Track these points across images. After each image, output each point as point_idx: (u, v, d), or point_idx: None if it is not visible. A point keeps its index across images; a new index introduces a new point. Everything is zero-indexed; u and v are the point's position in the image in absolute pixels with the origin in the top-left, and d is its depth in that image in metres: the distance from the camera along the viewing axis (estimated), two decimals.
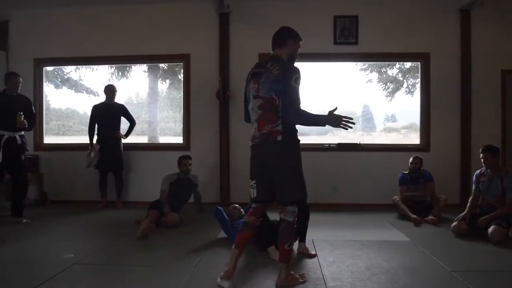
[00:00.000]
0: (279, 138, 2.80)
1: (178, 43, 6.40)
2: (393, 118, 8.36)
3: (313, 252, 3.80)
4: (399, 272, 3.31)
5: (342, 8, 6.23)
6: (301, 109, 2.78)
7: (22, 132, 5.02)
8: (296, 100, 2.77)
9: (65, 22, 6.56)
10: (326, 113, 2.84)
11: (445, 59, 6.15)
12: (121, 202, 6.20)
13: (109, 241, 4.29)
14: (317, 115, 2.83)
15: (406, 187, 5.56)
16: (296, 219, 2.94)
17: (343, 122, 2.82)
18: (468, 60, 6.09)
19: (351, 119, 2.83)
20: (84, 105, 7.52)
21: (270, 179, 2.89)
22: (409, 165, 5.57)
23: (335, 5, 6.23)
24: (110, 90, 6.25)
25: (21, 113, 4.83)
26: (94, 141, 6.14)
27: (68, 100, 9.12)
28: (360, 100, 8.33)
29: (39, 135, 6.69)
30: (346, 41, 6.20)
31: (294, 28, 3.15)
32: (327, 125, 2.86)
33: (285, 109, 2.79)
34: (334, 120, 2.82)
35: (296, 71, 2.80)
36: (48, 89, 7.44)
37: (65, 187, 6.49)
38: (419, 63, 6.41)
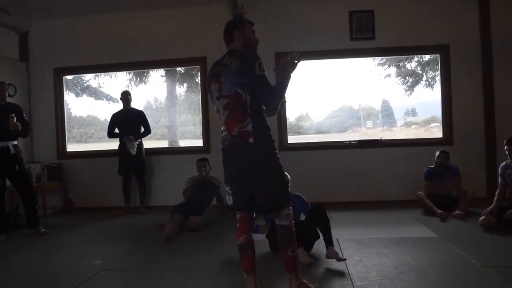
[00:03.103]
0: (251, 140, 2.58)
1: (194, 46, 6.42)
2: (413, 112, 8.23)
3: (343, 257, 3.54)
4: (428, 269, 3.24)
5: (357, 3, 6.16)
6: (273, 91, 2.58)
7: (15, 142, 4.91)
8: (269, 87, 2.56)
9: (83, 31, 6.66)
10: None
11: (465, 49, 6.02)
12: (144, 207, 6.26)
13: (134, 246, 4.34)
14: (279, 81, 2.62)
15: (431, 182, 5.46)
16: (293, 222, 2.73)
17: (294, 60, 2.63)
18: (489, 50, 5.94)
19: (295, 53, 2.64)
20: (104, 112, 7.60)
21: (247, 184, 2.67)
22: (436, 159, 5.45)
23: (350, 1, 6.17)
24: (124, 96, 6.31)
25: (13, 115, 4.68)
26: (116, 146, 6.24)
27: (89, 107, 9.25)
28: (379, 95, 8.23)
29: (62, 143, 6.80)
30: (363, 36, 6.14)
31: (246, 17, 2.93)
32: (291, 74, 2.62)
33: (263, 100, 2.61)
34: (287, 66, 2.61)
35: (256, 57, 2.60)
36: (68, 97, 7.56)
37: (90, 194, 6.57)
38: (438, 55, 6.28)
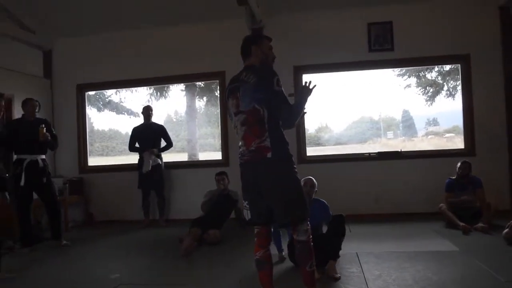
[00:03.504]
0: (269, 155, 2.60)
1: (213, 60, 6.50)
2: (435, 122, 8.12)
3: (338, 275, 3.47)
4: (449, 284, 3.17)
5: (375, 15, 6.15)
6: (291, 108, 2.65)
7: (44, 156, 5.08)
8: (288, 103, 2.63)
9: (104, 48, 6.83)
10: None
11: (487, 59, 5.93)
12: (164, 220, 6.30)
13: (153, 260, 4.36)
14: (297, 102, 2.71)
15: (452, 194, 5.34)
16: (311, 236, 2.73)
17: (310, 88, 2.73)
18: (511, 60, 5.84)
19: (310, 82, 2.75)
20: (125, 126, 7.72)
21: (264, 199, 2.67)
22: (457, 170, 5.34)
23: (368, 13, 6.16)
24: (146, 111, 6.40)
25: (43, 125, 4.86)
26: (136, 161, 6.32)
27: (111, 121, 9.43)
28: (399, 106, 8.17)
29: (84, 158, 6.93)
30: (381, 48, 6.11)
31: (260, 33, 2.98)
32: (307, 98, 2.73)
33: (282, 115, 2.66)
34: (304, 93, 2.72)
35: (273, 73, 2.64)
36: (91, 111, 7.73)
37: (110, 207, 6.65)
38: (459, 65, 6.20)
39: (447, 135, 7.21)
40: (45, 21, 6.52)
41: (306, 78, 6.26)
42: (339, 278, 3.42)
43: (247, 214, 2.79)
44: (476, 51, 5.97)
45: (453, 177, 5.39)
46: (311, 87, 2.74)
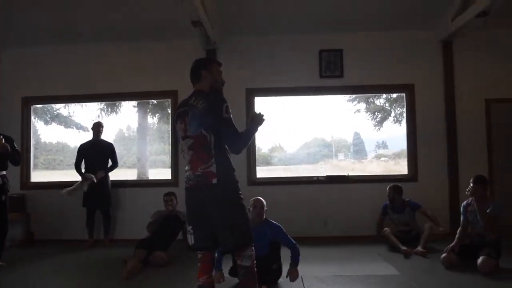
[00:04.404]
0: (214, 181, 2.63)
1: (166, 79, 6.45)
2: (384, 145, 8.40)
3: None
4: None
5: (327, 42, 6.34)
6: (239, 136, 2.71)
7: (4, 172, 4.87)
8: (235, 130, 2.68)
9: (52, 61, 6.61)
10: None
11: (429, 89, 6.26)
12: (109, 240, 6.12)
13: (96, 282, 4.23)
14: (248, 129, 2.81)
15: (383, 217, 5.76)
16: (254, 262, 2.78)
17: (262, 117, 2.85)
18: (452, 90, 6.20)
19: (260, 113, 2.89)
20: (74, 140, 7.47)
21: (209, 224, 2.70)
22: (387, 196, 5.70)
23: (320, 40, 6.34)
24: (96, 127, 6.24)
25: (1, 137, 4.66)
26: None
27: (59, 134, 9.12)
28: (350, 129, 8.40)
29: (26, 173, 6.62)
30: (332, 74, 6.30)
31: (210, 58, 3.12)
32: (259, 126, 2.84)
33: (230, 142, 2.72)
34: (258, 120, 2.82)
35: (223, 100, 2.69)
36: (38, 124, 7.45)
37: (53, 226, 6.37)
38: (404, 94, 6.49)
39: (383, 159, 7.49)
40: None
41: (258, 101, 6.39)
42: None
43: (190, 239, 2.80)
44: (420, 81, 6.29)
45: (388, 202, 5.72)
46: (263, 117, 2.83)
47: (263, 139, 7.21)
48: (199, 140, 2.67)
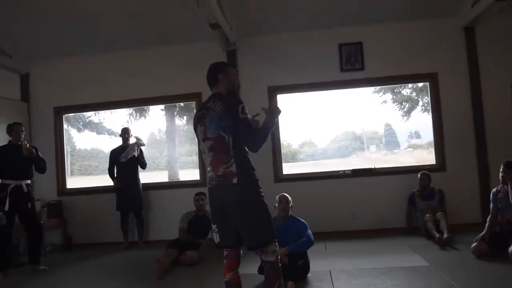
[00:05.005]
0: (235, 181, 2.70)
1: (190, 82, 6.56)
2: (417, 135, 8.27)
3: None
4: None
5: (346, 36, 6.33)
6: (254, 133, 2.74)
7: (29, 181, 5.15)
8: (251, 130, 2.72)
9: (80, 70, 6.86)
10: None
11: (454, 77, 6.15)
12: (143, 241, 6.31)
13: (129, 282, 4.41)
14: (264, 124, 2.80)
15: (411, 207, 5.80)
16: (279, 257, 2.84)
17: (278, 107, 2.86)
18: (477, 77, 6.07)
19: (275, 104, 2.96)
20: (107, 145, 7.71)
21: (232, 223, 2.77)
22: (418, 181, 5.69)
23: (339, 34, 6.33)
24: (123, 134, 6.47)
25: (26, 141, 4.98)
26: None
27: (92, 140, 9.43)
28: (381, 120, 8.32)
29: (62, 180, 6.90)
30: (353, 67, 6.28)
31: (223, 62, 3.09)
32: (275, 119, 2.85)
33: (247, 142, 2.76)
34: (274, 112, 2.82)
35: (239, 101, 2.73)
36: (73, 131, 7.74)
37: (89, 230, 6.63)
38: (427, 83, 6.40)
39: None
40: (21, 45, 6.57)
41: (280, 98, 6.43)
42: None
43: (216, 237, 2.89)
44: (444, 70, 6.18)
45: (416, 190, 5.72)
46: (278, 108, 2.85)
47: (292, 135, 7.25)
48: (218, 142, 2.75)
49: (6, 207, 4.87)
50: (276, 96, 6.46)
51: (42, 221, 6.03)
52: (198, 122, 2.88)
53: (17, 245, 5.79)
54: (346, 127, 8.52)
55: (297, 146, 8.63)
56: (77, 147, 10.05)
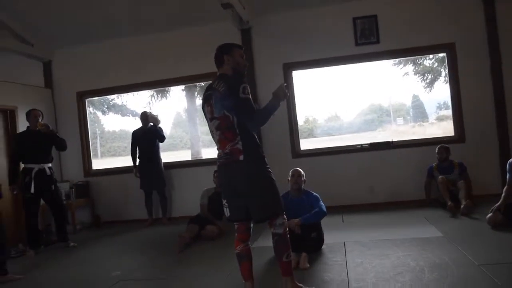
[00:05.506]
0: (241, 157, 2.81)
1: (209, 62, 6.59)
2: (446, 106, 8.15)
3: (307, 265, 3.72)
4: (425, 269, 3.34)
5: (360, 9, 6.26)
6: (255, 114, 2.80)
7: (50, 164, 5.39)
8: (251, 110, 2.78)
9: (101, 55, 7.08)
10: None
11: (472, 47, 6.01)
12: (166, 218, 6.56)
13: (153, 257, 4.65)
14: (268, 104, 2.86)
15: (429, 180, 5.79)
16: (287, 229, 2.95)
17: (285, 89, 2.90)
18: (497, 45, 5.91)
19: (285, 83, 2.99)
20: (133, 126, 7.98)
21: (241, 198, 2.89)
22: (437, 155, 5.67)
23: (352, 7, 6.27)
24: (143, 117, 6.63)
25: (40, 119, 5.26)
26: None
27: (119, 122, 9.70)
28: (408, 91, 8.26)
29: (88, 162, 7.20)
30: (367, 41, 6.22)
31: (232, 42, 3.09)
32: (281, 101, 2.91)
33: (246, 122, 2.82)
34: (280, 94, 2.88)
35: (241, 82, 2.82)
36: (100, 114, 8.00)
37: (116, 208, 6.93)
38: (445, 54, 6.30)
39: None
40: (42, 33, 6.79)
41: (295, 74, 6.48)
42: (307, 268, 3.66)
43: (226, 212, 3.04)
44: (462, 40, 6.05)
45: (434, 164, 5.69)
46: (285, 89, 2.92)
47: (318, 110, 7.34)
48: (224, 121, 2.85)
49: (32, 190, 5.14)
50: (291, 72, 6.49)
51: (70, 202, 6.36)
52: (205, 103, 2.99)
53: (48, 224, 6.10)
54: (372, 100, 8.49)
55: (323, 121, 8.65)
56: (106, 129, 10.35)
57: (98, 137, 8.23)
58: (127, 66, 6.98)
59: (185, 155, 8.43)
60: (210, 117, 2.96)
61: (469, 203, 5.08)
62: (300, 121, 6.85)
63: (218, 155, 3.00)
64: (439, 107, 8.29)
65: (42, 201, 5.39)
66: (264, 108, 2.89)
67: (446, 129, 6.71)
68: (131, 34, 6.86)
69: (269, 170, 2.94)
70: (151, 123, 6.51)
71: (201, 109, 3.10)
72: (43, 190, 5.25)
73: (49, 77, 7.23)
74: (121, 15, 6.44)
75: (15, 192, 5.32)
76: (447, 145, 5.71)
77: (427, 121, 8.65)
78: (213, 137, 3.02)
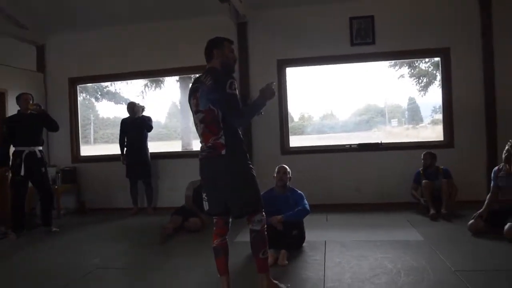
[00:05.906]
0: (223, 152, 2.80)
1: (202, 55, 6.60)
2: (440, 110, 8.15)
3: (286, 262, 3.73)
4: (401, 272, 3.35)
5: (357, 9, 6.24)
6: (240, 111, 2.80)
7: (41, 147, 5.41)
8: (236, 106, 2.77)
9: (96, 42, 7.02)
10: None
11: (467, 53, 6.02)
12: (151, 208, 6.55)
13: (134, 246, 4.67)
14: (254, 102, 2.88)
15: (416, 186, 5.73)
16: (265, 226, 2.96)
17: (272, 89, 2.89)
18: (491, 52, 5.92)
19: (273, 82, 2.98)
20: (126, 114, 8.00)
21: (220, 192, 2.88)
22: (422, 161, 5.67)
23: (350, 7, 6.25)
24: (130, 108, 6.63)
25: (30, 100, 5.28)
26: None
27: (113, 109, 9.66)
28: (404, 94, 8.29)
29: (76, 148, 7.17)
30: (363, 41, 6.21)
31: (221, 36, 3.05)
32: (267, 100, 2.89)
33: (230, 118, 2.81)
34: (267, 93, 2.87)
35: (229, 77, 2.82)
36: (93, 101, 7.96)
37: (101, 196, 6.91)
38: (439, 58, 6.30)
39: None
40: (37, 17, 6.72)
41: (289, 71, 6.46)
42: (286, 265, 3.68)
43: (205, 205, 3.02)
44: (457, 45, 6.05)
45: (421, 168, 5.70)
46: (273, 89, 2.90)
47: (314, 108, 7.30)
48: (208, 114, 2.84)
49: (22, 172, 5.16)
50: (285, 69, 6.48)
51: (56, 187, 6.33)
52: (192, 95, 2.97)
53: (33, 207, 6.08)
54: (368, 101, 8.48)
55: (318, 118, 8.64)
56: (100, 116, 10.31)
57: (92, 123, 8.19)
58: (120, 54, 6.92)
59: (177, 146, 8.45)
60: (195, 110, 2.94)
61: (447, 212, 5.15)
62: (296, 117, 6.84)
63: (201, 148, 2.98)
64: (435, 111, 8.29)
65: (30, 184, 5.39)
66: (249, 106, 2.90)
67: (440, 133, 6.70)
68: (127, 23, 6.81)
69: (251, 166, 2.94)
70: (143, 114, 6.49)
71: (188, 101, 3.08)
72: (33, 172, 5.25)
73: (41, 62, 7.17)
74: (118, 3, 6.39)
75: (7, 174, 5.32)
76: (433, 152, 5.68)
77: (422, 124, 8.67)
78: (197, 130, 3.01)
